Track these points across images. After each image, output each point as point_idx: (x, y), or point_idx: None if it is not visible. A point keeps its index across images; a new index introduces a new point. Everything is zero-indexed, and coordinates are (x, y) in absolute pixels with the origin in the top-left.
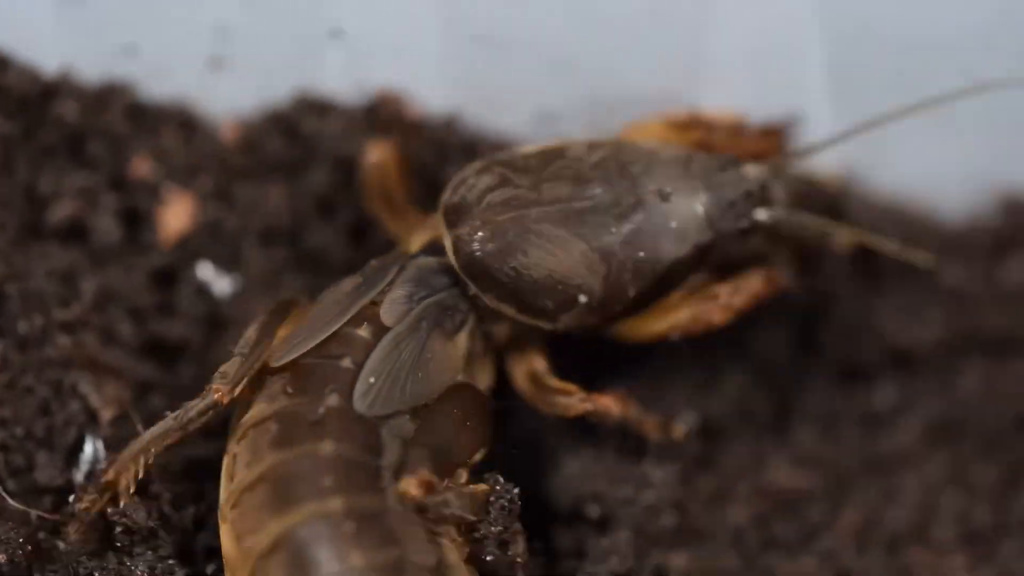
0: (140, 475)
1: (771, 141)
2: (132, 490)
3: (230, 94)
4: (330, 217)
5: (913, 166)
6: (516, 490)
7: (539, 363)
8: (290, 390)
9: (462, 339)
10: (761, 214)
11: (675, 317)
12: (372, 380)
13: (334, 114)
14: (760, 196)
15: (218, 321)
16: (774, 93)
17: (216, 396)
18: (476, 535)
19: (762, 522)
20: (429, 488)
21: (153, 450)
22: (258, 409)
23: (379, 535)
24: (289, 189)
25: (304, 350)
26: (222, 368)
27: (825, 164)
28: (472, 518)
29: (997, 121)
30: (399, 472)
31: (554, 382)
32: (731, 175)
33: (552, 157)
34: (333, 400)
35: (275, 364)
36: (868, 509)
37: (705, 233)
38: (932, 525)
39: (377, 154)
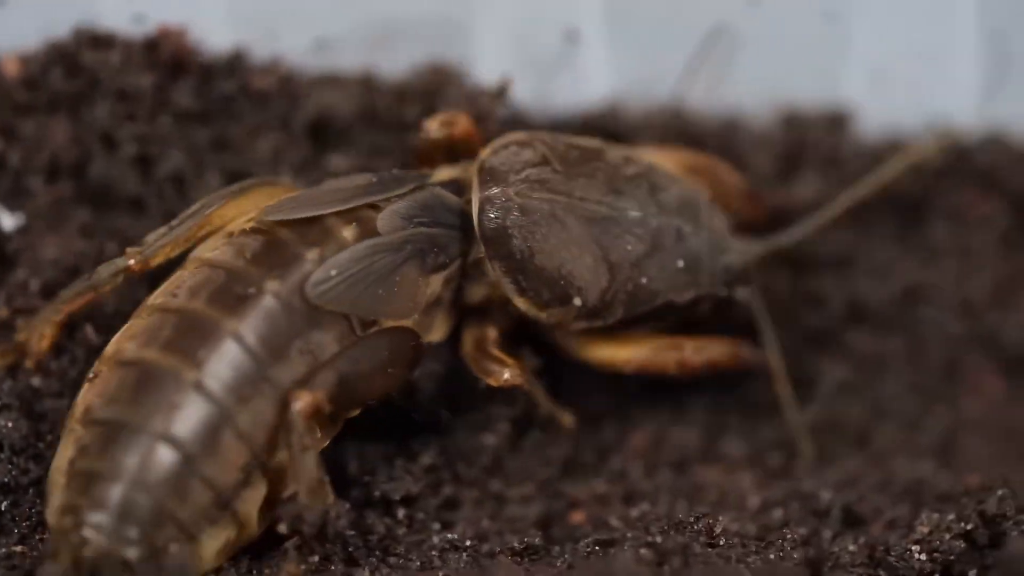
0: (52, 335)
1: (758, 209)
2: (46, 345)
3: (11, 29)
4: (114, 150)
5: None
6: (345, 522)
7: (492, 332)
8: (249, 255)
9: (436, 281)
10: (740, 292)
11: (635, 351)
12: (334, 272)
13: (115, 47)
14: (747, 275)
15: (4, 256)
16: (548, 15)
17: (128, 262)
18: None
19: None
20: (315, 412)
21: (65, 309)
22: (222, 252)
23: (203, 429)
24: (72, 123)
25: (294, 216)
26: (148, 235)
27: (597, 87)
28: (295, 489)
29: (777, 37)
30: (293, 388)
31: (496, 351)
32: (737, 244)
33: (591, 155)
34: (272, 286)
35: (265, 218)
36: (656, 430)
37: (702, 286)
38: (720, 444)
39: (443, 125)
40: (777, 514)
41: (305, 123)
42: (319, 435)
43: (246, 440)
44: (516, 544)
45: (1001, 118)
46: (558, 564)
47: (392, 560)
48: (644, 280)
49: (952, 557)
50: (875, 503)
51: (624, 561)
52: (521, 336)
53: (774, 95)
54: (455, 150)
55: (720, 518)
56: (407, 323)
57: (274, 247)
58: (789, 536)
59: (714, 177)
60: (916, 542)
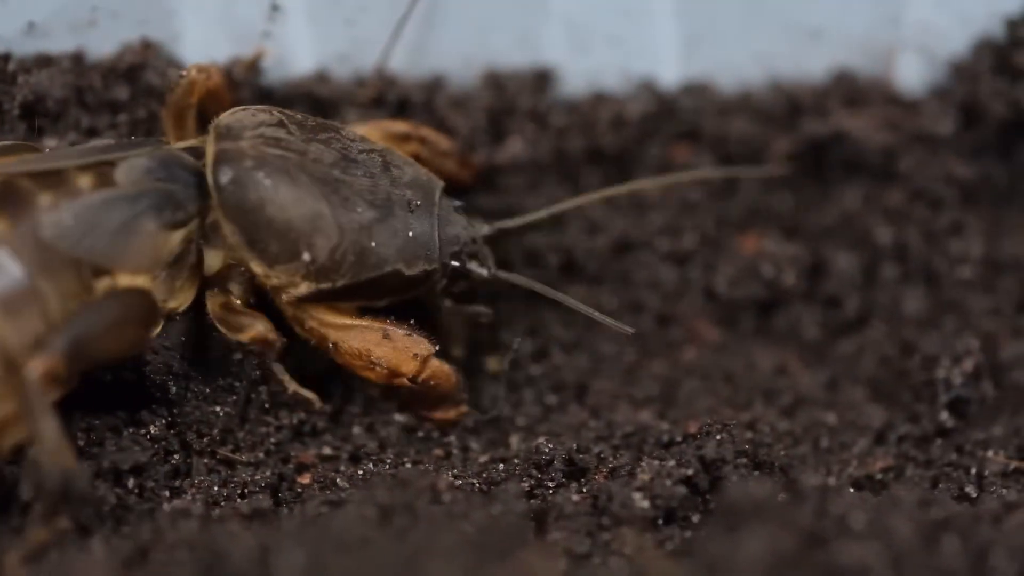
0: None
1: (467, 169)
2: None
3: None
4: None
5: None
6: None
7: (234, 298)
8: None
9: (175, 238)
10: (473, 265)
11: (366, 338)
12: (68, 216)
13: None
14: (478, 250)
15: None
16: None
17: None
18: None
19: None
20: (51, 376)
21: None
22: None
23: None
24: None
25: (32, 168)
26: None
27: (303, 58)
28: (33, 454)
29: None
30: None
31: (245, 308)
32: (463, 219)
33: (328, 128)
34: (1, 226)
35: (3, 171)
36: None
37: (432, 259)
38: None
39: (200, 72)
40: (500, 468)
41: (19, 106)
42: (54, 398)
43: None
44: (245, 509)
45: (702, 69)
46: (286, 526)
47: (124, 529)
48: (373, 244)
49: (674, 503)
50: (597, 453)
51: (348, 520)
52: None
53: (477, 57)
54: (205, 109)
55: (445, 475)
56: (146, 285)
57: (9, 192)
58: (513, 490)
59: (423, 142)
60: (638, 489)
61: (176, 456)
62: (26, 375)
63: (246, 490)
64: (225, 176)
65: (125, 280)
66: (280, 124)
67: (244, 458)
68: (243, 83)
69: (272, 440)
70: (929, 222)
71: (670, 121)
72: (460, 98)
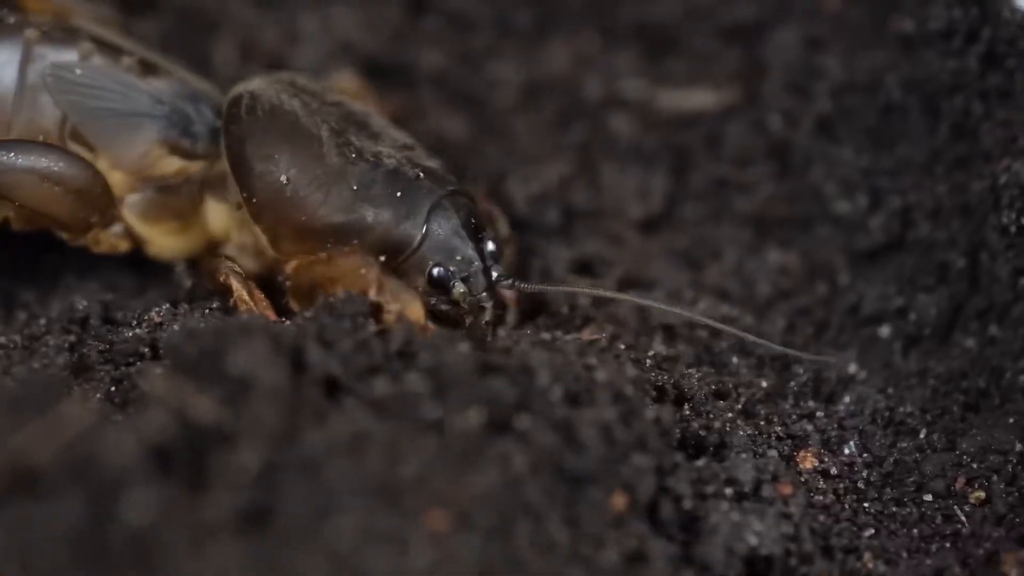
0: None
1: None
2: None
3: None
4: None
5: None
6: None
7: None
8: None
9: (171, 164)
10: (456, 284)
11: (320, 271)
12: (78, 71)
13: None
14: (472, 275)
15: None
16: None
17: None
18: None
19: None
20: None
21: None
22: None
23: None
24: None
25: (95, 34)
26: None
27: None
28: None
29: None
30: None
31: (229, 251)
32: (475, 243)
33: (358, 107)
34: (31, 33)
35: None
36: None
37: (415, 228)
38: None
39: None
40: (42, 324)
41: None
42: None
43: None
44: None
45: None
46: None
47: None
48: (355, 187)
49: None
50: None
51: None
52: None
53: None
54: None
55: None
56: (120, 186)
57: (63, 21)
58: (53, 343)
59: (489, 218)
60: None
61: None
62: None
63: None
64: (233, 103)
65: (103, 165)
66: (315, 96)
67: None
68: None
69: None
70: (465, 47)
71: None
72: None
